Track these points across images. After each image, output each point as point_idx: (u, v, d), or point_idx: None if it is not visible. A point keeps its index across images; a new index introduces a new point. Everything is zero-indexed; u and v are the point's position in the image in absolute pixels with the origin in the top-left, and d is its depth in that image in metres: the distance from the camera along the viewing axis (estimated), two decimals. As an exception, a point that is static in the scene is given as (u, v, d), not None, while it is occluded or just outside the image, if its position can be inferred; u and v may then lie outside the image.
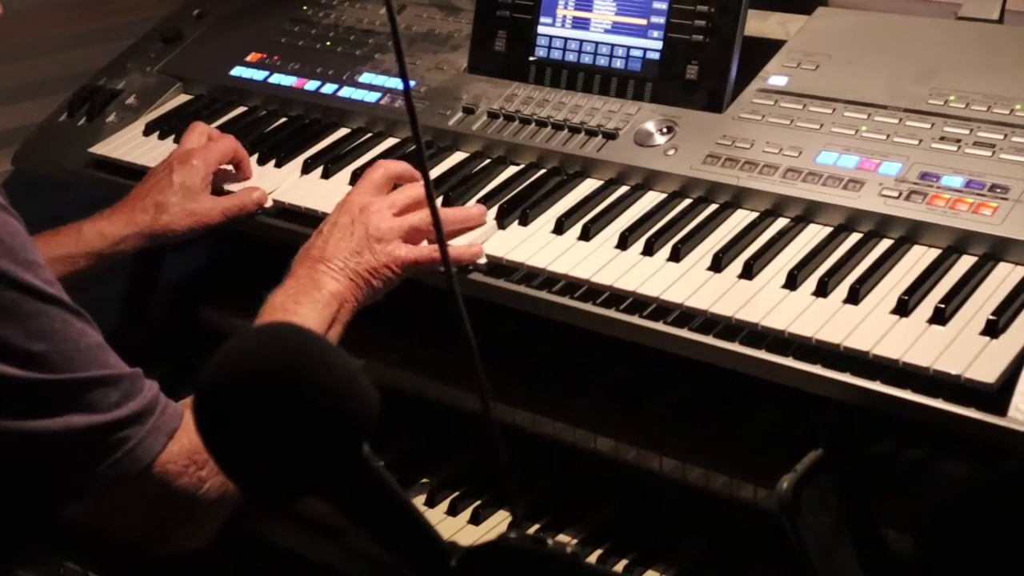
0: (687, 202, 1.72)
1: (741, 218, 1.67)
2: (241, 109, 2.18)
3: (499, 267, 1.68)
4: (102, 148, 2.14)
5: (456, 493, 1.87)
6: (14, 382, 1.24)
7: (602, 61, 1.90)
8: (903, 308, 1.45)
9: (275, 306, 1.59)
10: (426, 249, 1.69)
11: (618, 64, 1.89)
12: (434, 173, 1.87)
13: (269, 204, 1.89)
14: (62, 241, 1.83)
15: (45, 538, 1.50)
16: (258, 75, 2.20)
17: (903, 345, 1.40)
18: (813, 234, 1.62)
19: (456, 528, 1.82)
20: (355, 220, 1.68)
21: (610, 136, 1.82)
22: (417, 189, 1.74)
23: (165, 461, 1.35)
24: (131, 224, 1.84)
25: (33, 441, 1.27)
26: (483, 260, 1.68)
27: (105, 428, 1.30)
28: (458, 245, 1.69)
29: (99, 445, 1.30)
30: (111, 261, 1.86)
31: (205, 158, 1.89)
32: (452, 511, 1.85)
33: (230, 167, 1.94)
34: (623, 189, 1.77)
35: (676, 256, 1.60)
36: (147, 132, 2.15)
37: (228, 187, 1.92)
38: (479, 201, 1.78)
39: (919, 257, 1.55)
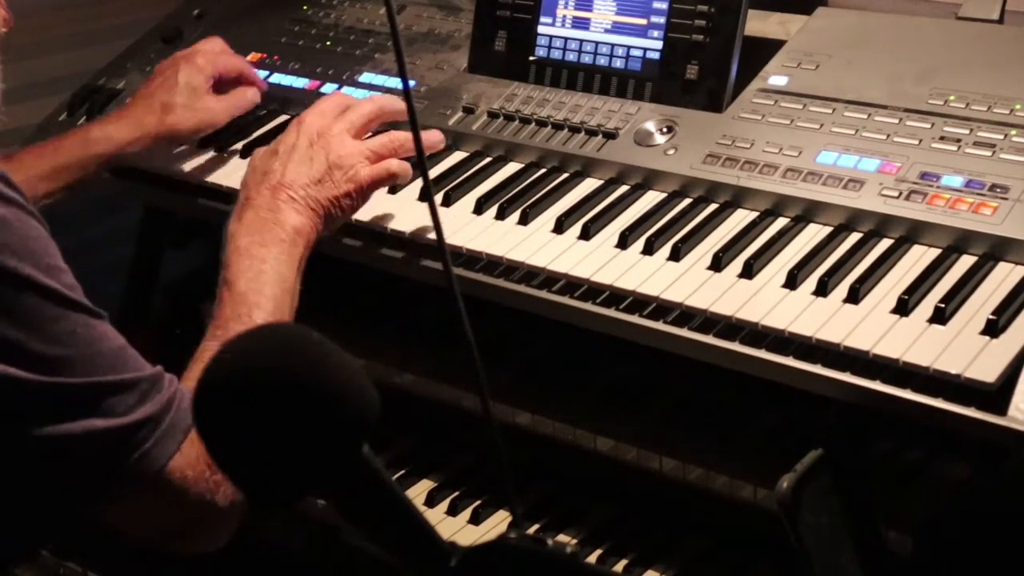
0: (687, 202, 1.72)
1: (741, 218, 1.67)
2: (241, 109, 2.18)
3: (499, 266, 1.68)
4: (102, 148, 2.14)
5: (456, 493, 1.87)
6: (34, 387, 1.22)
7: (602, 61, 1.90)
8: (903, 308, 1.45)
9: (240, 250, 1.53)
10: (381, 166, 1.65)
11: (618, 64, 1.89)
12: (434, 173, 1.87)
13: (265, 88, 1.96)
14: (70, 146, 1.84)
15: (54, 539, 1.48)
16: (258, 75, 2.20)
17: (903, 345, 1.40)
18: (813, 234, 1.62)
19: (456, 528, 1.82)
20: (313, 144, 1.64)
21: (610, 136, 1.82)
22: (370, 105, 1.71)
23: (180, 465, 1.32)
24: (138, 127, 1.85)
25: (51, 446, 1.25)
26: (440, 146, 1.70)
27: (122, 431, 1.28)
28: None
29: (116, 448, 1.28)
30: (119, 164, 1.88)
31: (211, 60, 1.91)
32: (452, 511, 1.85)
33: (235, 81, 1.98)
34: (623, 189, 1.77)
35: (676, 255, 1.60)
36: (147, 132, 2.15)
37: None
38: (478, 201, 1.78)
39: (919, 257, 1.55)
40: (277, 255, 1.53)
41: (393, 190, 1.85)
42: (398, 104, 1.77)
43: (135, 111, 1.87)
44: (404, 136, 1.72)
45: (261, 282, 1.50)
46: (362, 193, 1.65)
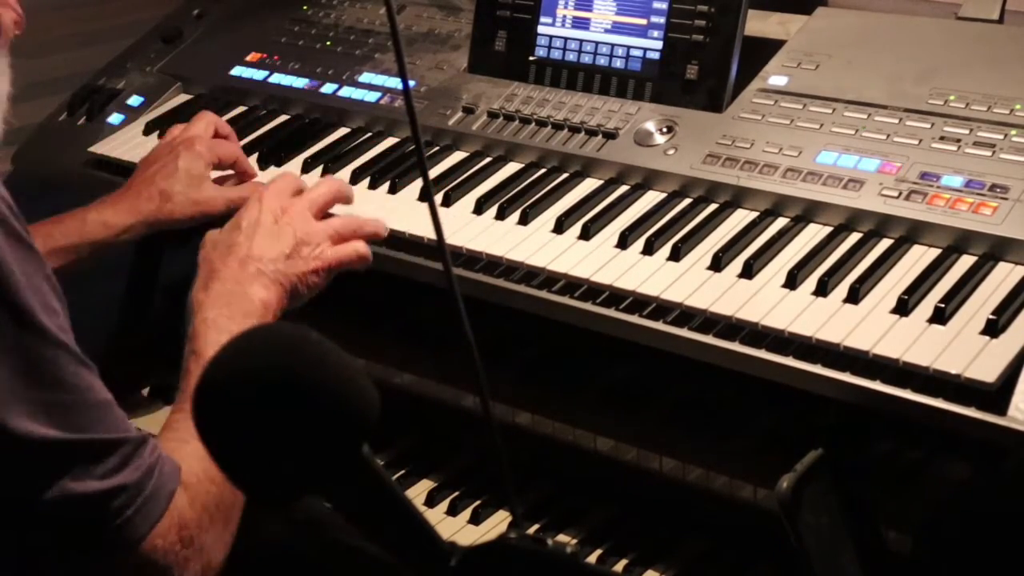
0: (687, 202, 1.72)
1: (741, 218, 1.67)
2: (241, 109, 2.18)
3: (499, 267, 1.68)
4: (102, 148, 2.14)
5: (456, 493, 1.87)
6: (17, 438, 1.17)
7: (602, 61, 1.90)
8: (903, 308, 1.45)
9: (209, 323, 1.50)
10: (349, 247, 1.63)
11: (618, 64, 1.89)
12: (434, 173, 1.87)
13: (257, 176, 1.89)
14: (65, 230, 1.79)
15: None
16: (258, 75, 2.20)
17: (903, 344, 1.40)
18: (813, 234, 1.62)
19: (456, 528, 1.82)
20: (278, 220, 1.61)
21: (610, 136, 1.82)
22: (327, 186, 1.69)
23: (156, 536, 1.27)
24: (135, 213, 1.80)
25: (27, 507, 1.20)
26: (385, 233, 1.68)
27: (101, 496, 1.22)
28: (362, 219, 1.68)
29: (92, 515, 1.23)
30: (115, 249, 1.83)
31: (211, 147, 1.86)
32: (452, 511, 1.85)
33: (229, 171, 1.93)
34: (623, 189, 1.77)
35: (676, 255, 1.60)
36: (147, 132, 2.15)
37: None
38: (478, 201, 1.78)
39: (919, 257, 1.54)
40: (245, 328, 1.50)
41: (393, 190, 1.85)
42: (351, 190, 1.75)
43: (133, 197, 1.82)
44: (364, 219, 1.69)
45: None
46: (328, 273, 1.61)
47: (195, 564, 1.30)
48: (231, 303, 1.52)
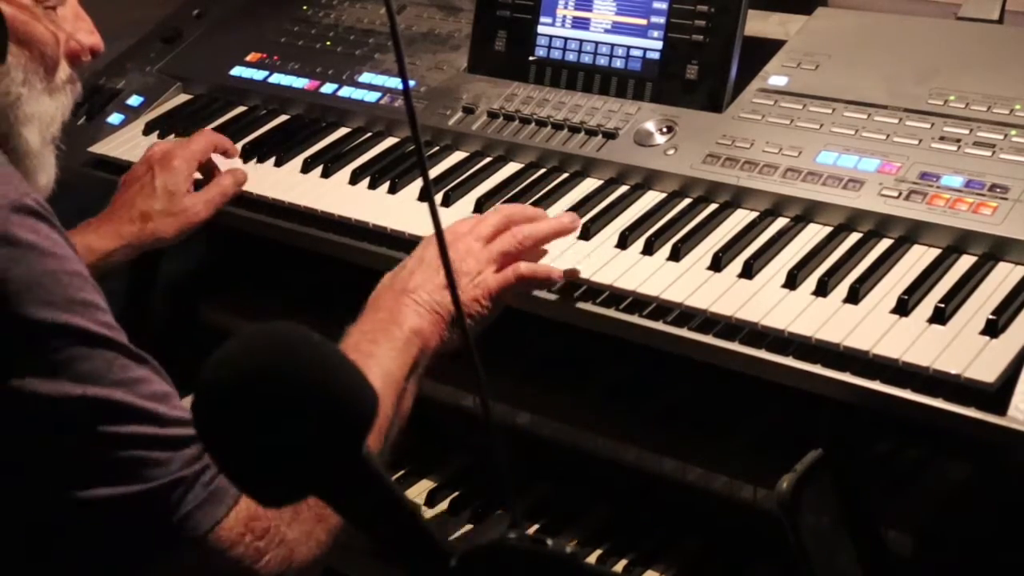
0: (687, 202, 1.72)
1: (741, 218, 1.67)
2: (241, 109, 2.18)
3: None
4: (102, 148, 2.14)
5: (456, 493, 1.87)
6: (59, 434, 1.18)
7: (602, 61, 1.90)
8: (903, 308, 1.45)
9: (349, 347, 1.46)
10: (509, 271, 1.59)
11: (618, 64, 1.89)
12: (434, 173, 1.87)
13: (259, 192, 1.89)
14: None
15: None
16: (258, 75, 2.20)
17: (903, 345, 1.39)
18: (813, 234, 1.62)
19: (456, 528, 1.82)
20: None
21: (610, 136, 1.82)
22: (500, 216, 1.64)
23: (222, 528, 1.25)
24: (118, 237, 1.80)
25: (87, 505, 1.20)
26: (559, 281, 1.61)
27: (159, 490, 1.22)
28: (538, 265, 1.62)
29: (151, 510, 1.23)
30: (103, 272, 1.80)
31: (186, 156, 1.86)
32: (452, 511, 1.85)
33: (218, 158, 1.92)
34: (623, 189, 1.77)
35: (676, 255, 1.60)
36: (147, 132, 2.15)
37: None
38: (478, 201, 1.78)
39: (919, 257, 1.54)
40: (387, 351, 1.47)
41: (393, 190, 1.85)
42: (528, 211, 1.69)
43: (115, 220, 1.82)
44: (528, 229, 1.63)
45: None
46: (492, 299, 1.57)
47: (274, 556, 1.29)
48: (375, 329, 1.50)
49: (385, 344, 1.47)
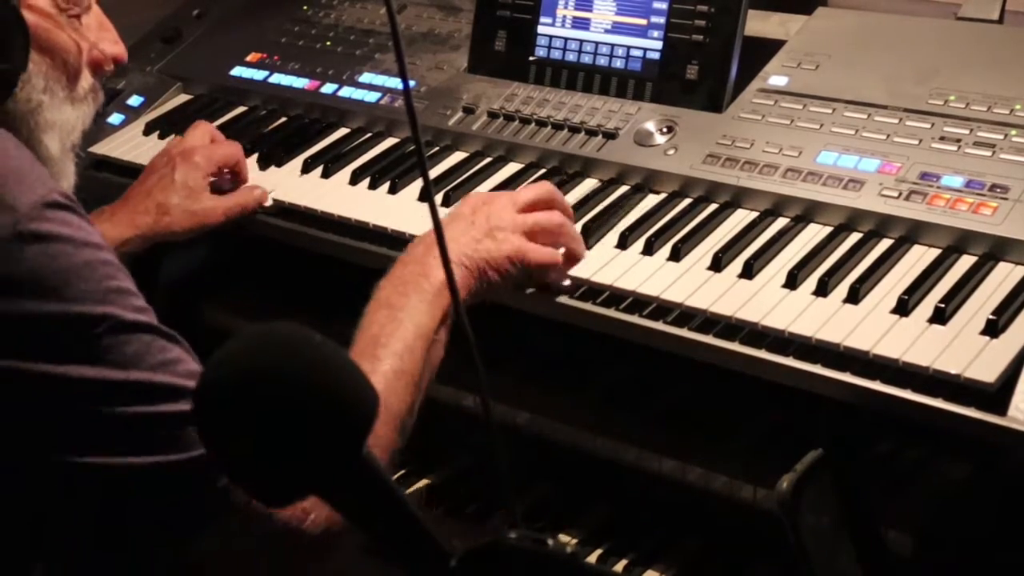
0: (687, 202, 1.72)
1: (741, 218, 1.67)
2: (241, 109, 2.18)
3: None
4: (102, 148, 2.14)
5: (456, 493, 1.87)
6: (106, 415, 1.19)
7: (602, 61, 1.90)
8: (903, 308, 1.45)
9: (380, 301, 1.49)
10: (550, 251, 1.59)
11: (618, 64, 1.89)
12: (434, 173, 1.87)
13: (269, 203, 1.89)
14: None
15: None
16: (258, 75, 2.20)
17: (903, 345, 1.40)
18: (813, 234, 1.62)
19: (456, 528, 1.82)
20: (476, 210, 1.59)
21: (610, 136, 1.82)
22: (543, 188, 1.65)
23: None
24: (133, 226, 1.80)
25: (126, 478, 1.22)
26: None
27: (201, 460, 1.22)
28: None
29: (196, 480, 1.23)
30: None
31: (208, 156, 1.86)
32: (452, 511, 1.85)
33: (227, 173, 1.93)
34: (623, 189, 1.77)
35: (676, 256, 1.61)
36: (147, 132, 2.15)
37: (226, 189, 1.92)
38: (479, 201, 1.78)
39: (919, 257, 1.55)
40: (416, 303, 1.49)
41: (393, 190, 1.85)
42: (567, 207, 1.68)
43: (130, 209, 1.82)
44: (568, 224, 1.63)
45: (394, 326, 1.46)
46: (524, 263, 1.57)
47: (318, 515, 1.29)
48: (406, 282, 1.52)
49: (415, 296, 1.49)
